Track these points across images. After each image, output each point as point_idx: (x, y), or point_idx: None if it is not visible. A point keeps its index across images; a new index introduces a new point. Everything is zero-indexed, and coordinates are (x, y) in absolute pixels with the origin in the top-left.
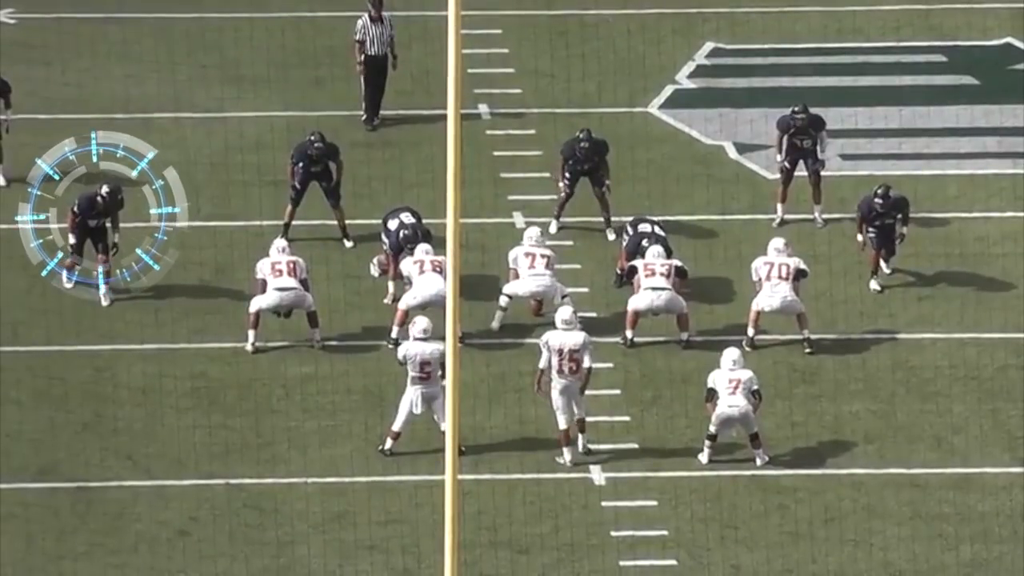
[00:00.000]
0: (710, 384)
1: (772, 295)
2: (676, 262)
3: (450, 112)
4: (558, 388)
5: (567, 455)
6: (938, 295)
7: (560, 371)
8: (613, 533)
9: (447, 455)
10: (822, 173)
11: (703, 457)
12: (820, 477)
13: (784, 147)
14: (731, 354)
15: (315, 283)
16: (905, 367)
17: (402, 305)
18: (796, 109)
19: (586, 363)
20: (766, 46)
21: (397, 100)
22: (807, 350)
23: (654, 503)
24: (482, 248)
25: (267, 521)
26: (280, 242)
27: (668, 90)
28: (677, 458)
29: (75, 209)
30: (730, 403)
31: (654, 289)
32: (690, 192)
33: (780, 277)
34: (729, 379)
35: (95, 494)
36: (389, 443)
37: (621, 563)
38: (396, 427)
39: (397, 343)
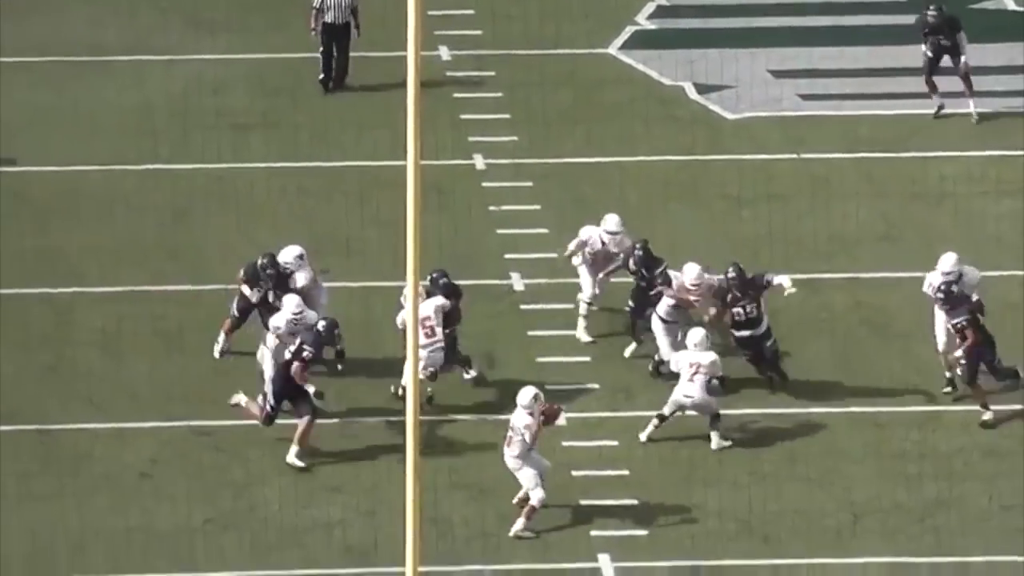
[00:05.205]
0: (673, 367)
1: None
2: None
3: (410, 54)
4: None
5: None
6: (899, 235)
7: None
8: (574, 473)
9: (408, 397)
10: (969, 63)
11: (643, 436)
12: (781, 416)
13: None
14: (695, 335)
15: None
16: (866, 307)
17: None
18: (930, 8)
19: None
20: None
21: (356, 42)
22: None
23: (615, 443)
24: (441, 190)
25: (229, 463)
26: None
27: (628, 31)
28: (638, 398)
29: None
30: (686, 392)
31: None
32: (651, 133)
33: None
34: (690, 361)
35: (57, 437)
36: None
37: (581, 502)
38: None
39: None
